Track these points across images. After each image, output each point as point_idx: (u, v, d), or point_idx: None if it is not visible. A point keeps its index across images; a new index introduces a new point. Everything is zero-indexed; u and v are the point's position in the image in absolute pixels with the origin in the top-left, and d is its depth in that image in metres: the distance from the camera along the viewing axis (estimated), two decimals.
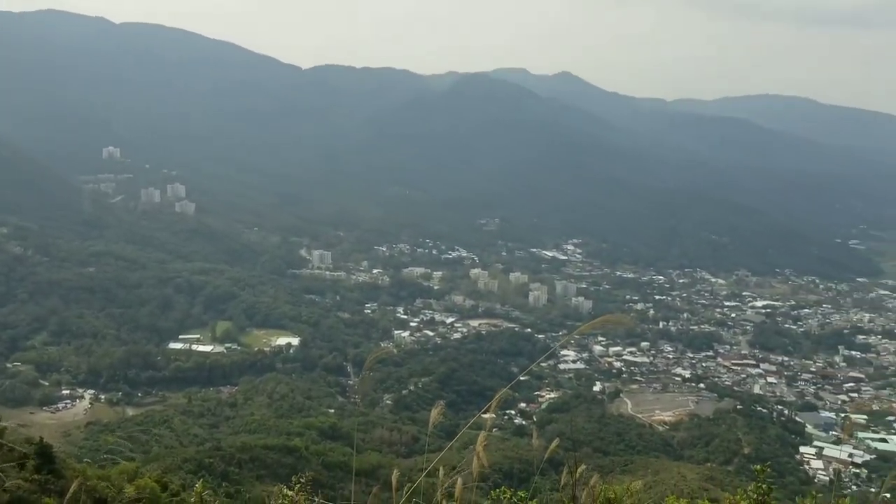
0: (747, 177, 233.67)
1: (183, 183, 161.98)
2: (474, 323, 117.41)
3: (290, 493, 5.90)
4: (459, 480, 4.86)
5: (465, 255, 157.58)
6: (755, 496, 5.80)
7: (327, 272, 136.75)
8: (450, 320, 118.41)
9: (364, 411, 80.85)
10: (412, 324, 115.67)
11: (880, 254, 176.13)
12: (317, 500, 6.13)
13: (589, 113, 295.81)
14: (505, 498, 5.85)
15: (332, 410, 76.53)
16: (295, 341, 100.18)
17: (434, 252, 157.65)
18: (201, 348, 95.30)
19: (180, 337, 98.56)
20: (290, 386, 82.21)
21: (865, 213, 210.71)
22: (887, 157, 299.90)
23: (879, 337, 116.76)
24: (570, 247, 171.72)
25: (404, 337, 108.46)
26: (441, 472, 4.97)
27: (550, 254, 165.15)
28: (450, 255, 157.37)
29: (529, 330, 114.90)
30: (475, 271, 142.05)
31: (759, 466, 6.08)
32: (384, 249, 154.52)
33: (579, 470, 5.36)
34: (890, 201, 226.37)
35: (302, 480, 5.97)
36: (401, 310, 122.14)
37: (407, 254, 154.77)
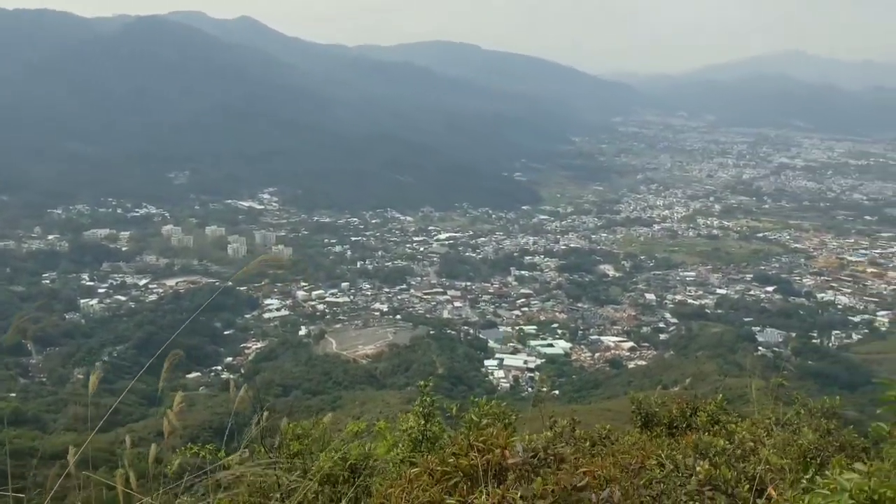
0: (425, 118, 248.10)
1: None
2: (171, 282, 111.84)
3: None
4: (153, 446, 4.84)
5: (154, 211, 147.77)
6: (421, 409, 6.63)
7: None
8: (143, 282, 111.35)
9: (53, 389, 74.08)
10: (100, 290, 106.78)
11: (539, 183, 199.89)
12: None
13: (274, 58, 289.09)
14: (191, 453, 5.83)
15: (14, 394, 68.86)
16: None
17: (119, 211, 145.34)
18: None
19: None
20: None
21: (525, 148, 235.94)
22: (540, 97, 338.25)
23: (542, 256, 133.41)
24: (266, 195, 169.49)
25: (92, 305, 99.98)
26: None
27: (247, 204, 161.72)
28: (137, 212, 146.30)
29: (231, 283, 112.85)
30: (167, 228, 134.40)
31: (421, 382, 7.03)
32: (60, 212, 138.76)
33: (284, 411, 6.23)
34: (544, 136, 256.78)
35: None
36: (86, 276, 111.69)
37: (88, 215, 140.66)
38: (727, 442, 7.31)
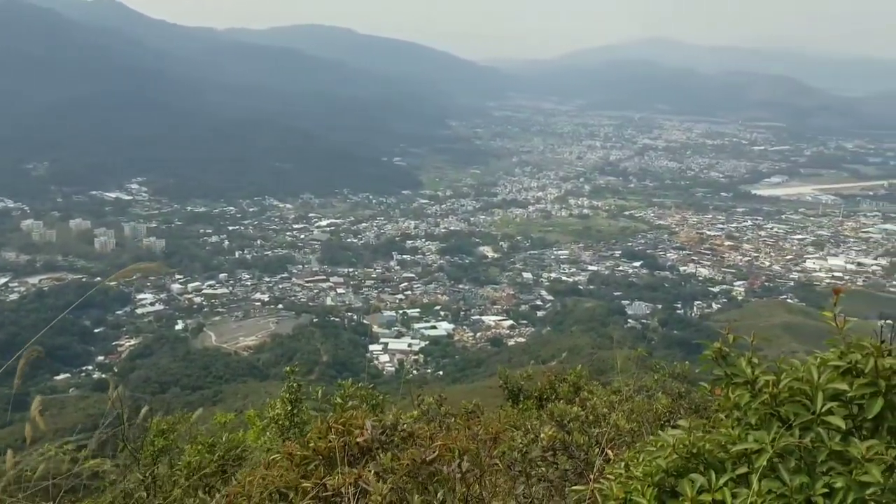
0: (302, 103, 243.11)
1: None
2: (33, 280, 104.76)
3: None
4: (10, 452, 4.67)
5: (11, 205, 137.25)
6: (288, 395, 6.74)
7: None
8: (3, 280, 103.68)
9: None
10: None
11: (418, 168, 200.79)
12: None
13: (139, 41, 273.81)
14: (49, 454, 5.47)
15: None
16: None
17: None
18: None
19: None
20: None
21: (404, 133, 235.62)
22: (417, 81, 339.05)
23: (423, 240, 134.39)
24: (134, 186, 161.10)
25: None
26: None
27: (114, 195, 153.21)
28: None
29: (99, 279, 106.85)
30: (27, 222, 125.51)
31: (288, 368, 7.27)
32: None
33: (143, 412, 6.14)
34: (421, 121, 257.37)
35: None
36: None
37: None
38: (581, 409, 7.94)
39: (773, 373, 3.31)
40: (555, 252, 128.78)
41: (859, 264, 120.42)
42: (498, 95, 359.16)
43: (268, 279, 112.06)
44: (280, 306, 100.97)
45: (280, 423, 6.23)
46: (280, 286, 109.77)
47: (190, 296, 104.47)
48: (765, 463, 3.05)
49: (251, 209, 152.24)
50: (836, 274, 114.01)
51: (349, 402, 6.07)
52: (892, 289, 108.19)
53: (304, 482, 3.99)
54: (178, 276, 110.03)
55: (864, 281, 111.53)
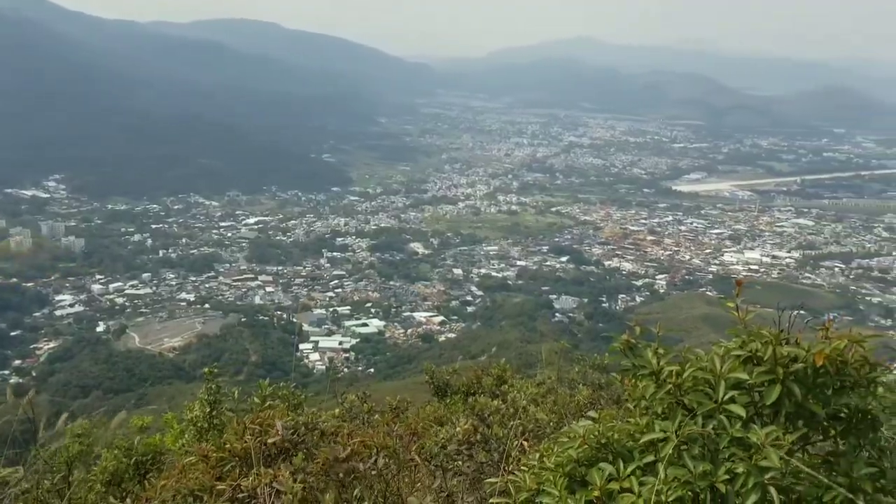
0: (228, 99, 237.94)
1: None
2: None
3: None
4: None
5: None
6: (207, 397, 6.64)
7: None
8: None
9: None
10: None
11: (348, 165, 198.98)
12: None
13: (57, 34, 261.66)
14: None
15: None
16: None
17: None
18: None
19: None
20: None
21: (333, 129, 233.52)
22: (345, 78, 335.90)
23: (354, 237, 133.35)
24: (51, 183, 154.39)
25: None
26: None
27: (29, 193, 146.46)
28: None
29: (16, 279, 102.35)
30: None
31: (206, 370, 7.12)
32: None
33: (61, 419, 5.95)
34: (351, 117, 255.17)
35: None
36: None
37: None
38: (502, 402, 8.03)
39: (677, 363, 3.41)
40: (484, 248, 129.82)
41: (774, 257, 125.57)
42: (427, 93, 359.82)
43: (193, 278, 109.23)
44: (207, 306, 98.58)
45: (198, 425, 6.09)
46: (206, 285, 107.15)
47: (112, 296, 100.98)
48: (670, 451, 3.14)
49: (176, 207, 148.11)
50: (752, 267, 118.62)
51: (267, 403, 5.97)
52: (804, 280, 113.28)
53: (218, 484, 3.91)
54: (98, 277, 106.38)
55: (778, 273, 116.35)
